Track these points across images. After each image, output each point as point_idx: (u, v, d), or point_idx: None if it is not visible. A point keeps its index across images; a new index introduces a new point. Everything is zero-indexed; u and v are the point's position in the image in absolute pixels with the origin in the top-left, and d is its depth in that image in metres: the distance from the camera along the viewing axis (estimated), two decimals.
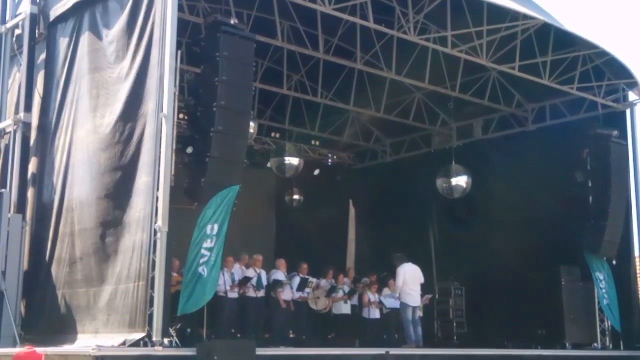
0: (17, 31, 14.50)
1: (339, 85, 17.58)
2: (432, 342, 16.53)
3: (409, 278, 14.71)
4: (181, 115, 12.07)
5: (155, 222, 10.38)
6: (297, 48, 15.64)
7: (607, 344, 15.87)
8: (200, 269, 10.67)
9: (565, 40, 15.30)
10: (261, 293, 14.05)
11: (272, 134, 19.80)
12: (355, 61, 16.03)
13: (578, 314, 15.78)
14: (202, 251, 10.72)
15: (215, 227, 10.78)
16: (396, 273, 14.77)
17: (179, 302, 10.73)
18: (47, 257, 12.63)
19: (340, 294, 15.41)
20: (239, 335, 13.75)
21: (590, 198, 15.79)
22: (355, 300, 15.73)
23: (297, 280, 14.74)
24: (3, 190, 13.19)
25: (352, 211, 21.58)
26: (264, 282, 14.15)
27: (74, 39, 13.06)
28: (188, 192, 11.08)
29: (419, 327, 14.92)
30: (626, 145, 16.22)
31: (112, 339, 10.33)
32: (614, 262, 15.96)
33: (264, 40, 14.41)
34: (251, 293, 13.85)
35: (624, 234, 15.82)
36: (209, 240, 10.74)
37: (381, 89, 17.72)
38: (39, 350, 9.19)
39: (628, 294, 15.94)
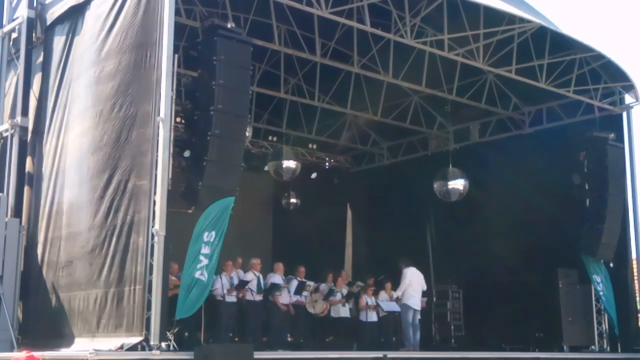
0: (14, 35, 14.52)
1: (336, 88, 17.59)
2: (430, 345, 16.53)
3: (414, 280, 15.01)
4: (178, 119, 12.08)
5: (153, 226, 10.39)
6: (294, 52, 15.65)
7: (605, 346, 15.87)
8: (197, 274, 10.67)
9: (561, 43, 15.34)
10: (260, 297, 14.04)
11: (270, 138, 19.81)
12: (352, 65, 16.03)
13: (576, 317, 15.77)
14: (200, 257, 10.72)
15: (213, 234, 10.78)
16: (402, 274, 15.08)
17: (176, 306, 10.72)
18: (42, 261, 12.64)
19: (338, 297, 15.41)
20: (236, 339, 13.75)
21: (587, 201, 15.81)
22: (351, 303, 15.74)
23: (294, 283, 14.73)
24: (0, 194, 13.19)
25: (349, 214, 21.59)
26: (262, 285, 14.15)
27: (68, 42, 13.10)
28: (185, 196, 11.07)
29: (418, 331, 15.02)
30: (623, 148, 16.24)
31: (109, 343, 10.32)
32: (611, 264, 15.98)
33: (261, 44, 14.43)
34: (249, 296, 13.84)
35: (621, 237, 15.83)
36: (206, 247, 10.74)
37: (378, 93, 17.73)
38: (37, 354, 9.18)
39: (625, 297, 15.95)
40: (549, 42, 15.11)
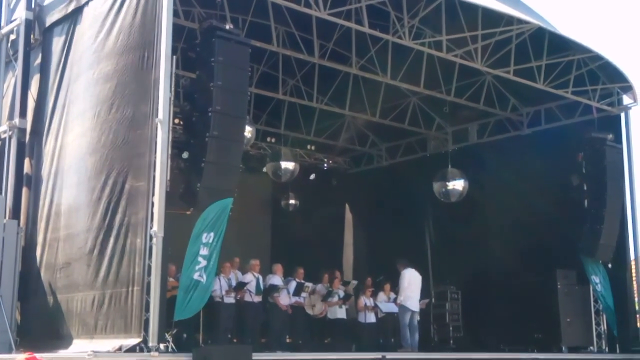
0: (12, 37, 14.50)
1: (334, 90, 17.59)
2: (429, 346, 16.54)
3: (413, 282, 15.07)
4: (177, 121, 12.07)
5: (151, 227, 10.39)
6: (292, 53, 15.65)
7: (604, 347, 15.89)
8: (196, 275, 10.67)
9: (559, 44, 15.36)
10: (258, 298, 14.04)
11: (268, 139, 19.82)
12: (350, 66, 16.04)
13: (574, 318, 15.79)
14: (198, 258, 10.72)
15: (212, 235, 10.78)
16: (401, 275, 15.12)
17: (175, 307, 10.71)
18: (40, 263, 12.63)
19: (335, 298, 15.40)
20: (235, 340, 13.75)
21: (586, 202, 15.83)
22: (348, 304, 15.75)
23: (293, 285, 14.73)
24: None
25: (348, 216, 21.59)
26: (262, 287, 14.15)
27: (67, 43, 13.10)
28: (184, 197, 11.07)
29: (416, 333, 15.03)
30: (621, 149, 16.27)
31: (107, 344, 10.32)
32: (609, 265, 15.98)
33: (260, 45, 14.42)
34: (248, 298, 13.84)
35: (619, 238, 15.85)
36: (205, 248, 10.75)
37: (377, 94, 17.73)
38: (39, 356, 9.16)
39: (624, 298, 15.97)
40: (547, 43, 15.13)
